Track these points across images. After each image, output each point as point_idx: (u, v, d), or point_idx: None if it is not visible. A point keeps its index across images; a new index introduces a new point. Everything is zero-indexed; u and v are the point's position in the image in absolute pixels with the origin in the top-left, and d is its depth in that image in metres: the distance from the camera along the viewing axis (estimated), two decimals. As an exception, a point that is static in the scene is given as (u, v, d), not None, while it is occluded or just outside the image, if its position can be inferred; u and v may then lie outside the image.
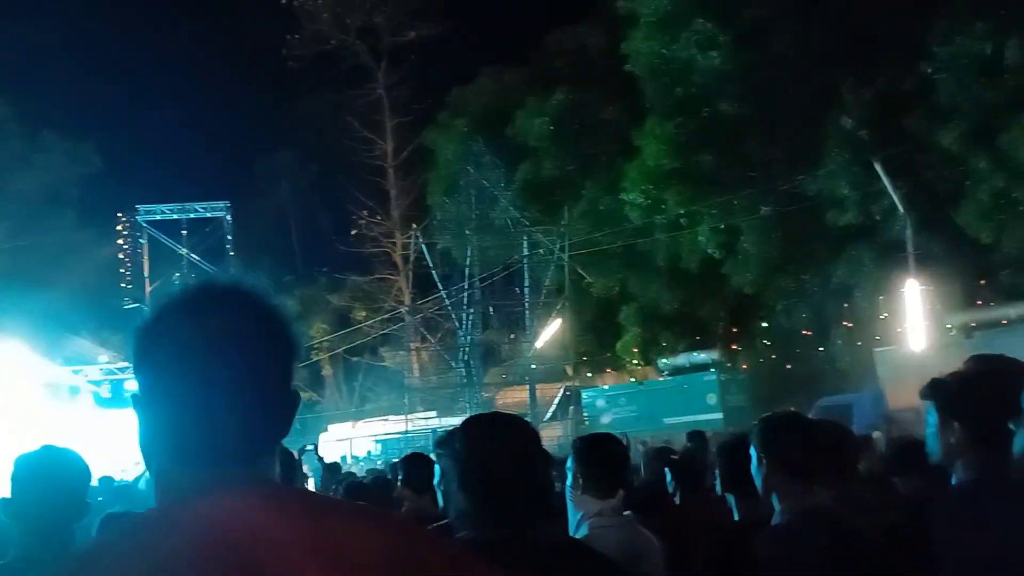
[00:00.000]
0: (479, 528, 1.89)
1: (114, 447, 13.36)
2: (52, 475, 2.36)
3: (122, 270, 26.72)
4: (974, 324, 15.10)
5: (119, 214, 26.46)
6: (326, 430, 24.65)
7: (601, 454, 2.92)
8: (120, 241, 26.64)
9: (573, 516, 2.85)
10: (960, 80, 16.90)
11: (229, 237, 23.90)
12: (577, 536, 2.77)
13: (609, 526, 2.77)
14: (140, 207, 26.06)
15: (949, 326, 15.45)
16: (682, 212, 21.63)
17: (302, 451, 8.37)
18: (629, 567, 2.64)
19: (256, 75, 35.62)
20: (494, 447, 1.96)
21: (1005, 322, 15.02)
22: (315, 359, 29.19)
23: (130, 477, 9.81)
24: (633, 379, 23.33)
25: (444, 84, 27.84)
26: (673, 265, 22.36)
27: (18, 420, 18.67)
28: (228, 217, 24.06)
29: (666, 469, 4.66)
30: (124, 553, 1.01)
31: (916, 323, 15.33)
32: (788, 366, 17.31)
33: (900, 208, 16.29)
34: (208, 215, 24.52)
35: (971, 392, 2.27)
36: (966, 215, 17.34)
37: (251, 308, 1.13)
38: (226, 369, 1.08)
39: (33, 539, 2.33)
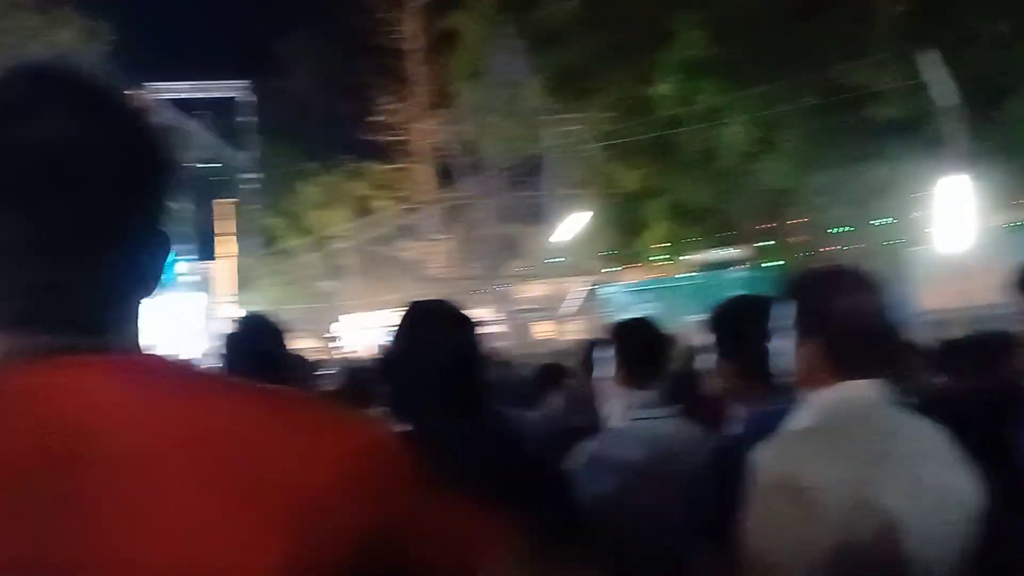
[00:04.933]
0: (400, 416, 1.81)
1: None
2: None
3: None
4: (1021, 223, 14.46)
5: (128, 92, 25.71)
6: (337, 320, 24.62)
7: (637, 340, 2.69)
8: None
9: (610, 407, 2.68)
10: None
11: (243, 119, 23.03)
12: (616, 429, 2.61)
13: (651, 418, 2.58)
14: (155, 84, 25.39)
15: (992, 225, 14.79)
16: (717, 104, 20.82)
17: None
18: (674, 462, 2.43)
19: (276, -49, 34.16)
20: (423, 336, 1.92)
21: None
22: (334, 247, 28.93)
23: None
24: (659, 275, 22.91)
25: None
26: (705, 159, 21.65)
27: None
28: (248, 98, 23.06)
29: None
30: None
31: (956, 221, 14.67)
32: (821, 264, 16.87)
33: (946, 102, 15.41)
34: (228, 95, 23.61)
35: None
36: (1016, 109, 16.44)
37: (94, 108, 0.81)
38: (50, 198, 0.77)
39: None
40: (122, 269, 0.83)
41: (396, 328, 2.01)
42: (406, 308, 2.07)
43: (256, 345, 2.57)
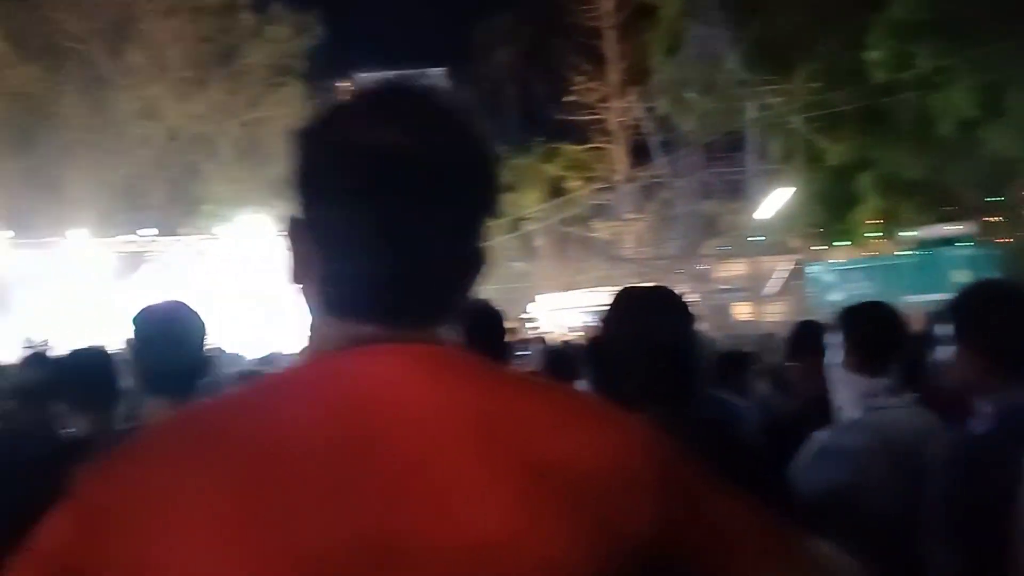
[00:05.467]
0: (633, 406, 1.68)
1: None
2: (168, 330, 2.15)
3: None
4: None
5: (338, 83, 27.11)
6: (534, 301, 24.83)
7: (871, 324, 2.49)
8: (342, 110, 27.28)
9: (842, 396, 2.51)
10: None
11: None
12: (850, 418, 2.48)
13: (887, 407, 2.40)
14: (358, 75, 26.65)
15: None
16: (935, 68, 19.27)
17: None
18: (912, 454, 2.26)
19: (472, -62, 34.76)
20: (635, 322, 1.88)
21: None
22: (527, 229, 29.25)
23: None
24: (871, 253, 21.59)
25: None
26: (921, 127, 20.12)
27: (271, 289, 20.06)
28: (444, 84, 24.26)
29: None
30: (228, 414, 0.84)
31: None
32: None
33: None
34: (425, 82, 24.87)
35: None
36: None
37: (452, 131, 0.89)
38: (403, 202, 0.85)
39: (159, 399, 2.14)
40: (448, 273, 0.90)
41: (606, 312, 1.96)
42: (617, 293, 2.02)
43: (477, 328, 2.57)
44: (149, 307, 2.20)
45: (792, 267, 22.21)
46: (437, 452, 0.79)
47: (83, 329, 16.67)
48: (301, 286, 0.91)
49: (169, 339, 2.12)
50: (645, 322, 1.88)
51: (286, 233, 0.91)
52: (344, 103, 0.91)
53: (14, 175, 25.15)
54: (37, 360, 4.38)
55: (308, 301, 0.90)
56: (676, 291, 2.07)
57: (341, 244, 0.86)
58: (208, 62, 29.41)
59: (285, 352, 8.95)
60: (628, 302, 1.96)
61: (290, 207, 0.91)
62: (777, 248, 22.90)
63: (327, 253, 0.87)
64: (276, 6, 29.17)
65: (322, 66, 28.48)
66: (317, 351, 0.88)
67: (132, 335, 2.17)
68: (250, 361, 8.38)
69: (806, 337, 4.31)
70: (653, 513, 0.83)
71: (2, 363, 7.56)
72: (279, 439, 0.79)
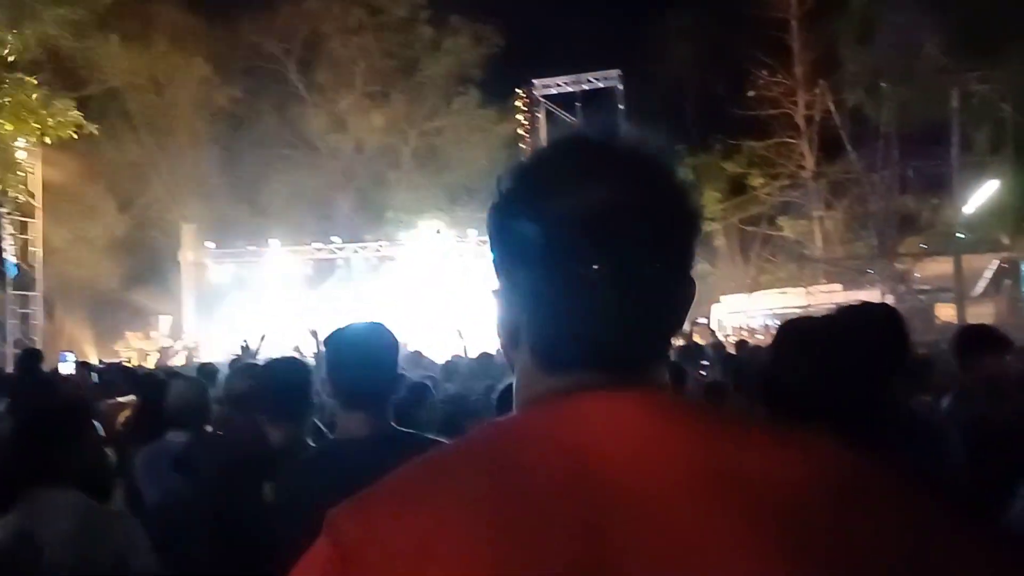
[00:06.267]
0: None
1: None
2: (363, 353, 2.23)
3: (522, 145, 27.67)
4: None
5: (517, 90, 27.36)
6: (719, 301, 24.06)
7: None
8: (519, 116, 27.53)
9: None
10: None
11: (620, 107, 23.77)
12: None
13: None
14: (536, 81, 26.81)
15: None
16: None
17: None
18: None
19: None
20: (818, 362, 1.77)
21: None
22: (708, 229, 28.48)
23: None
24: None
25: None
26: None
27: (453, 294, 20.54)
28: (620, 86, 24.02)
29: None
30: (469, 460, 0.87)
31: None
32: None
33: None
34: (601, 85, 24.68)
35: None
36: None
37: (643, 175, 0.91)
38: (606, 257, 0.87)
39: (353, 414, 2.22)
40: (664, 318, 0.92)
41: (774, 347, 1.87)
42: (783, 327, 1.93)
43: None
44: (344, 329, 2.27)
45: (1000, 265, 20.47)
46: (648, 493, 0.79)
47: (281, 334, 17.59)
48: (506, 344, 0.95)
49: (364, 361, 2.20)
50: (815, 364, 1.74)
51: (495, 305, 0.94)
52: (536, 167, 0.92)
53: (216, 189, 27.00)
54: (243, 368, 4.52)
55: (519, 361, 0.93)
56: (857, 289, 1.84)
57: (559, 305, 0.88)
58: (391, 76, 30.46)
59: (464, 356, 9.07)
60: (795, 337, 1.84)
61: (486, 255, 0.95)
62: (984, 245, 21.17)
63: (545, 314, 0.89)
64: (455, 18, 29.81)
65: (499, 73, 28.85)
66: (537, 398, 0.90)
67: (327, 355, 2.25)
68: (435, 366, 8.49)
69: (980, 342, 3.78)
70: (891, 548, 0.80)
71: (215, 366, 8.02)
72: (518, 484, 0.81)
